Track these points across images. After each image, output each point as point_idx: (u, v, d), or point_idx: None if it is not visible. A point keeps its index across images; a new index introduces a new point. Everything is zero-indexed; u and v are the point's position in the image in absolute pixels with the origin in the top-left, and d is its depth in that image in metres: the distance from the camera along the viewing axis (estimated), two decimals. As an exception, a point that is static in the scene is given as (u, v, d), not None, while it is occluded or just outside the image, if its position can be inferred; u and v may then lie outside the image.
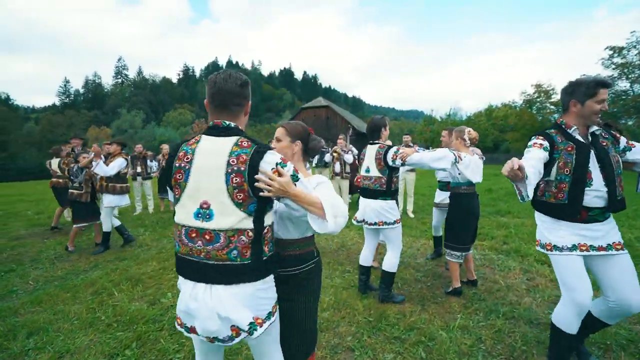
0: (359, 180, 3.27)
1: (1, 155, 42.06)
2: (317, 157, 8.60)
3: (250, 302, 1.23)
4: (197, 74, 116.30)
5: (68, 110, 60.06)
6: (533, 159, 1.87)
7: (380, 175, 3.00)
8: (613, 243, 1.88)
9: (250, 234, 1.22)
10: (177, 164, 1.28)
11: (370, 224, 3.07)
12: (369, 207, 3.07)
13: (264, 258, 1.28)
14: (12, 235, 6.17)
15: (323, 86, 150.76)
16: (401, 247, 3.13)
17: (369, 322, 2.75)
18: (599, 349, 2.32)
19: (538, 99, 33.41)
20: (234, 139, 1.26)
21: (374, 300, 3.12)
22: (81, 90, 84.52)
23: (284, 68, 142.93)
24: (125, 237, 5.19)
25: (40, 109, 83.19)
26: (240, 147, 1.23)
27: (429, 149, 5.47)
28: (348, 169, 7.42)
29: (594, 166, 1.86)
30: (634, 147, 1.95)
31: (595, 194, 1.84)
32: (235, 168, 1.19)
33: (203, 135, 1.31)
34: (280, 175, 1.23)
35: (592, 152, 1.88)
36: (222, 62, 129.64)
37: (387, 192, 3.00)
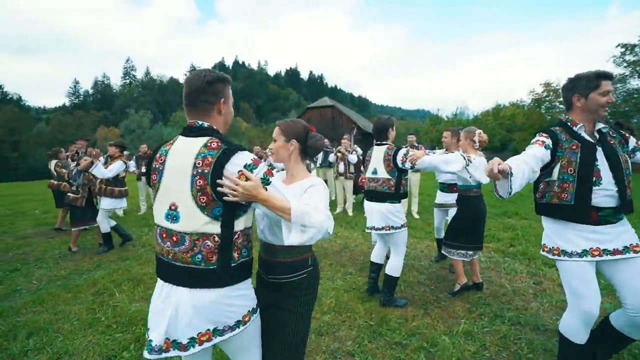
0: (363, 180, 3.20)
1: (13, 155, 42.92)
2: (321, 157, 8.57)
3: (211, 310, 1.18)
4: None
5: (77, 111, 60.98)
6: (530, 155, 1.79)
7: (389, 177, 2.92)
8: (631, 245, 1.76)
9: (217, 238, 1.18)
10: (153, 165, 1.29)
11: (378, 229, 2.99)
12: (375, 211, 3.00)
13: (233, 265, 1.22)
14: (19, 234, 6.24)
15: (329, 86, 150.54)
16: (405, 251, 3.06)
17: (370, 326, 2.69)
18: None
19: (547, 98, 32.86)
20: (204, 139, 1.21)
21: (375, 304, 3.06)
22: (90, 91, 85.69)
23: (290, 68, 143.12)
24: (122, 235, 5.20)
25: (51, 110, 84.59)
26: (208, 149, 1.18)
27: (435, 149, 5.39)
28: (352, 169, 7.36)
29: (602, 164, 1.77)
30: None
31: (606, 193, 1.74)
32: (199, 170, 1.16)
33: (179, 136, 1.29)
34: (247, 178, 1.16)
35: (600, 150, 1.79)
36: (229, 63, 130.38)
37: (396, 194, 2.92)
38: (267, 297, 1.45)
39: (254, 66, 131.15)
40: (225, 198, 1.15)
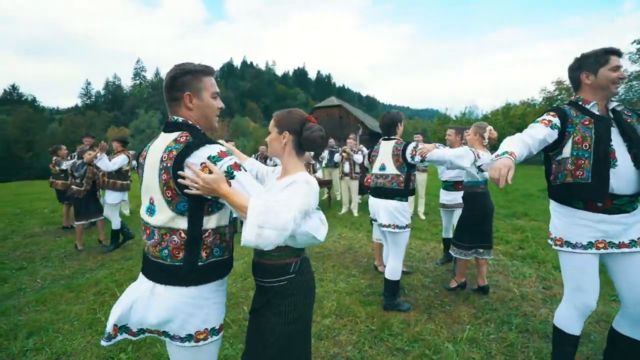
0: (369, 180, 3.12)
1: (27, 155, 43.98)
2: (326, 156, 8.50)
3: (169, 309, 1.14)
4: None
5: (89, 111, 62.22)
6: (531, 136, 1.70)
7: (398, 173, 2.83)
8: (638, 239, 1.66)
9: (183, 234, 1.15)
10: (139, 160, 1.33)
11: (385, 226, 2.89)
12: (381, 208, 2.90)
13: (200, 264, 1.17)
14: (27, 232, 6.33)
15: (337, 85, 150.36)
16: (404, 253, 2.97)
17: (371, 331, 2.61)
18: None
19: (559, 97, 32.09)
20: (176, 134, 1.19)
21: (377, 307, 2.98)
22: (102, 92, 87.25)
23: (298, 68, 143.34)
24: (124, 233, 5.23)
25: (64, 110, 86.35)
26: (176, 142, 1.16)
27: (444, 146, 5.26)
28: (358, 169, 7.28)
29: (618, 144, 1.65)
30: None
31: (622, 177, 1.62)
32: (165, 164, 1.15)
33: (161, 132, 1.28)
34: (210, 171, 1.11)
35: (615, 129, 1.68)
36: (237, 63, 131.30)
37: (405, 191, 2.83)
38: (255, 300, 1.40)
39: (262, 66, 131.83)
40: (186, 191, 1.12)
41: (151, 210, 1.21)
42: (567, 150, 1.72)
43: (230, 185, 1.11)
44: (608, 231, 1.67)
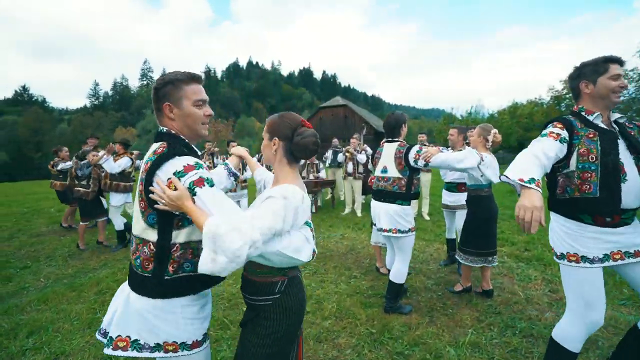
0: (372, 180, 3.07)
1: (37, 155, 44.76)
2: (330, 157, 8.46)
3: (139, 318, 1.15)
4: (219, 74, 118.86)
5: (97, 112, 63.04)
6: (544, 154, 1.60)
7: (400, 176, 2.77)
8: None
9: (152, 247, 1.15)
10: None
11: (385, 231, 2.83)
12: (382, 211, 2.85)
13: (166, 277, 1.15)
14: (33, 232, 6.40)
15: (342, 85, 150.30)
16: (410, 257, 2.91)
17: (371, 334, 2.57)
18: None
19: (567, 95, 31.58)
20: (157, 145, 1.19)
21: (378, 310, 2.93)
22: (110, 93, 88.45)
23: (304, 68, 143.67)
24: (130, 232, 5.27)
25: (73, 111, 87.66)
26: (154, 154, 1.15)
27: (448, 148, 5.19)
28: (361, 169, 7.22)
29: (626, 158, 1.59)
30: None
31: (631, 192, 1.57)
32: (142, 175, 1.17)
33: None
34: (176, 187, 1.08)
35: (621, 142, 1.63)
36: (243, 63, 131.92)
37: (406, 195, 2.76)
38: (245, 313, 1.34)
39: (268, 66, 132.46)
40: (155, 206, 1.12)
41: (135, 218, 1.22)
42: (572, 163, 1.67)
43: (195, 203, 1.08)
44: (620, 241, 1.62)
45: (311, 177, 7.76)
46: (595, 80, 1.66)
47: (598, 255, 1.62)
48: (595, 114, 1.68)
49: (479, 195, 3.08)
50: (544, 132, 1.72)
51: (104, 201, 5.38)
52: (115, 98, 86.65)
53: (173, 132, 1.24)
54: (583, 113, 1.72)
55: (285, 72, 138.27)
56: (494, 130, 2.97)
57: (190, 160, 1.13)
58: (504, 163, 28.21)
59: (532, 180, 1.46)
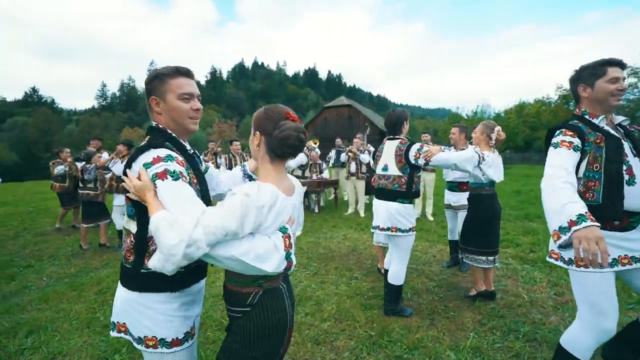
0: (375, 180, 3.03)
1: (45, 155, 45.38)
2: (333, 156, 8.42)
3: (123, 307, 1.20)
4: (225, 75, 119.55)
5: (104, 112, 63.82)
6: (565, 169, 1.52)
7: (400, 174, 2.72)
8: None
9: (133, 238, 1.19)
10: None
11: (383, 229, 2.79)
12: (382, 209, 2.81)
13: (142, 271, 1.15)
14: (38, 231, 6.47)
15: (347, 85, 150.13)
16: (408, 257, 2.85)
17: (369, 337, 2.52)
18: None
19: (576, 94, 31.07)
20: (146, 139, 1.22)
21: (378, 312, 2.88)
22: (117, 93, 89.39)
23: (309, 68, 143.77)
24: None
25: (81, 112, 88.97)
26: (138, 148, 1.20)
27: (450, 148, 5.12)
28: (364, 169, 7.17)
29: (634, 161, 1.57)
30: None
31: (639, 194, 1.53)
32: (125, 168, 1.20)
33: None
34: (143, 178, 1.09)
35: (628, 145, 1.59)
36: (248, 64, 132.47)
37: (407, 193, 2.71)
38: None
39: (273, 66, 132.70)
40: (127, 195, 1.16)
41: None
42: (581, 170, 1.64)
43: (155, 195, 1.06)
44: (626, 246, 1.59)
45: (314, 177, 7.72)
46: (593, 83, 1.66)
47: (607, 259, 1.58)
48: (600, 117, 1.66)
49: (480, 194, 3.01)
50: (554, 141, 1.67)
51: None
52: (122, 99, 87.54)
53: (160, 126, 1.25)
54: (587, 116, 1.69)
55: (290, 72, 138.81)
56: (498, 128, 2.90)
57: (161, 152, 1.11)
58: (511, 163, 27.95)
59: (581, 217, 1.32)
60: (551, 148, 1.67)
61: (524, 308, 2.90)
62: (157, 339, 1.16)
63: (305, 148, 6.86)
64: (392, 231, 2.74)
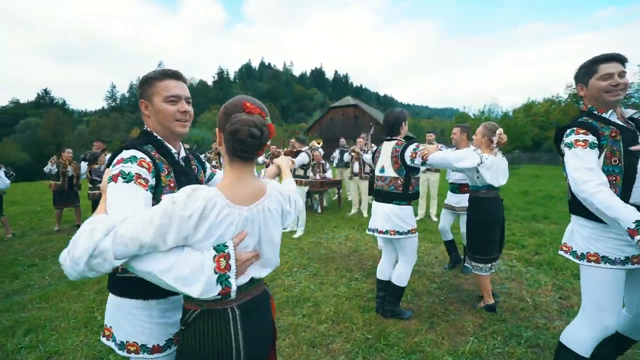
0: None
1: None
2: (337, 156, 8.36)
3: (109, 309, 1.21)
4: (232, 76, 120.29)
5: (113, 113, 64.77)
6: (596, 173, 1.51)
7: (397, 176, 2.66)
8: None
9: None
10: None
11: (381, 232, 2.73)
12: (379, 212, 2.75)
13: (117, 275, 1.15)
14: (44, 230, 6.56)
15: (354, 85, 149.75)
16: (415, 259, 2.79)
17: (366, 340, 2.47)
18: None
19: (587, 93, 30.45)
20: None
21: (376, 314, 2.83)
22: (126, 95, 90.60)
23: (315, 68, 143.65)
24: None
25: (92, 113, 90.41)
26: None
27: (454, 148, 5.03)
28: (368, 169, 7.11)
29: None
30: None
31: None
32: None
33: None
34: None
35: None
36: (255, 64, 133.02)
37: (403, 195, 2.65)
38: None
39: (280, 67, 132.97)
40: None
41: None
42: (599, 166, 1.60)
43: None
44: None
45: (317, 177, 7.68)
46: (587, 82, 1.67)
47: (620, 257, 1.58)
48: (610, 111, 1.64)
49: (477, 197, 2.89)
50: (567, 141, 1.64)
51: None
52: (131, 100, 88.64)
53: (149, 129, 1.24)
54: (595, 112, 1.67)
55: (297, 73, 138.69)
56: (499, 130, 2.81)
57: (126, 154, 1.09)
58: (519, 163, 27.48)
59: (638, 223, 1.34)
60: (566, 149, 1.64)
61: (527, 312, 2.82)
62: (138, 344, 1.14)
63: (308, 148, 6.78)
64: (390, 234, 2.68)
